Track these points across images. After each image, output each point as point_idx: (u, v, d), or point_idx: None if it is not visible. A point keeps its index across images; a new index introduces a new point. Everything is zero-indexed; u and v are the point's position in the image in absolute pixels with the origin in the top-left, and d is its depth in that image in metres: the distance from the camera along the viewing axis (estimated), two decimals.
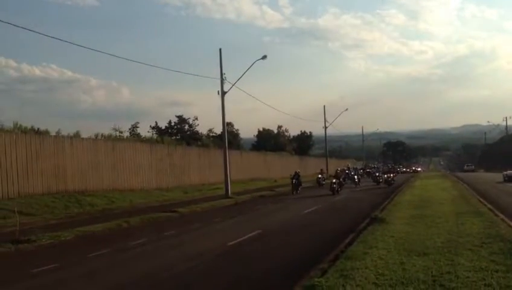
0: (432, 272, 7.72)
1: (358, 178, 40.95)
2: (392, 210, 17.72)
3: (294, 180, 32.07)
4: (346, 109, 62.90)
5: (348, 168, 46.03)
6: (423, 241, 10.57)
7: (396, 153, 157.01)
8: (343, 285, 7.13)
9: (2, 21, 16.49)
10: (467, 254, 9.02)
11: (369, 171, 57.70)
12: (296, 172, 32.83)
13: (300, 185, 33.03)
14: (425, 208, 17.60)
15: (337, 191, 30.18)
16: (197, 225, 16.86)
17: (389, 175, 38.86)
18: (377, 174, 42.95)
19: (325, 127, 59.79)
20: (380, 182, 39.95)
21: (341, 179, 33.41)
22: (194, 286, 8.52)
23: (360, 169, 58.01)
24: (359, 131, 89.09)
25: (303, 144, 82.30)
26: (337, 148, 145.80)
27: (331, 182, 30.62)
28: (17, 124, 24.80)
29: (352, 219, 17.00)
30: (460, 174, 65.39)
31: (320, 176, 41.10)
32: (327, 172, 53.67)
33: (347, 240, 11.64)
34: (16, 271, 10.13)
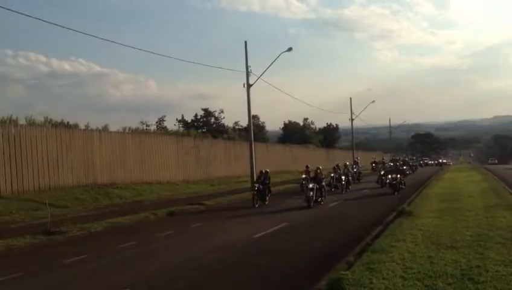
0: (460, 266, 7.62)
1: (347, 180, 27.84)
2: (420, 203, 17.50)
3: (259, 185, 20.77)
4: (373, 101, 62.05)
5: (346, 166, 31.07)
6: (452, 234, 10.42)
7: (424, 145, 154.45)
8: (369, 278, 7.09)
9: (32, 17, 16.80)
10: (496, 248, 8.86)
11: (374, 167, 50.12)
12: (262, 171, 21.69)
13: (270, 192, 21.39)
14: (454, 201, 17.32)
15: (318, 200, 20.00)
16: (223, 217, 16.97)
17: (394, 177, 25.07)
18: (382, 172, 29.71)
19: (352, 119, 59.16)
20: (385, 185, 27.32)
21: (324, 183, 21.63)
22: (220, 277, 8.60)
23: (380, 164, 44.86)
24: (386, 123, 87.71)
25: (329, 136, 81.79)
26: (364, 140, 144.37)
27: (307, 188, 20.20)
28: (47, 118, 25.43)
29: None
30: (489, 167, 64.17)
31: (304, 176, 25.20)
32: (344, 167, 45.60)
33: None
34: (48, 262, 10.40)
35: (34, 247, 12.14)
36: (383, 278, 7.06)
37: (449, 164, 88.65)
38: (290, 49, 30.69)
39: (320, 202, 20.28)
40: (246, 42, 30.28)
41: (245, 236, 12.61)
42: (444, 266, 7.67)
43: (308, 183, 20.38)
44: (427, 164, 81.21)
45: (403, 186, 25.37)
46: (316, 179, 20.77)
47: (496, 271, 7.22)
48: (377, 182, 29.67)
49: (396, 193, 23.69)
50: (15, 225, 15.68)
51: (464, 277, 7.00)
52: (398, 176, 25.01)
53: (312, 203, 19.08)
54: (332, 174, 26.93)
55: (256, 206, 19.83)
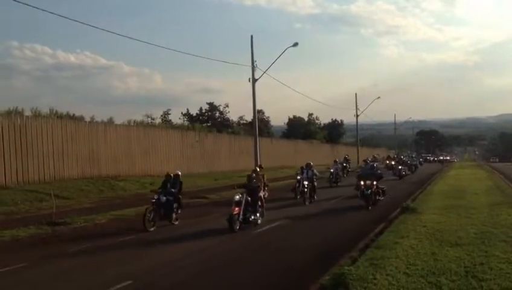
0: (464, 263, 7.61)
1: (312, 186, 19.65)
2: (424, 200, 17.46)
3: (160, 197, 13.61)
4: (379, 97, 61.80)
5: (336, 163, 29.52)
6: (456, 231, 10.40)
7: (429, 142, 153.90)
8: (373, 274, 7.09)
9: (38, 8, 16.83)
10: (501, 246, 8.84)
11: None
12: (170, 175, 14.58)
13: (180, 206, 14.30)
14: (459, 199, 17.27)
15: (251, 219, 13.36)
16: (227, 211, 16.95)
17: (368, 184, 17.15)
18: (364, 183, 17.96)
19: (357, 115, 58.99)
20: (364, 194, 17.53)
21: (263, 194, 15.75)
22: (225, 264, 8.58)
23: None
24: (391, 119, 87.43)
25: (334, 132, 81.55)
26: (369, 136, 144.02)
27: (230, 215, 12.66)
28: (53, 110, 25.55)
29: None
30: (494, 165, 64.03)
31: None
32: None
33: None
34: (52, 252, 10.46)
35: (39, 238, 12.20)
36: (387, 274, 7.06)
37: (453, 161, 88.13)
38: (296, 44, 30.57)
39: (255, 220, 13.43)
40: (251, 36, 30.21)
41: (247, 230, 12.67)
42: (447, 263, 7.66)
43: (242, 196, 13.15)
44: (426, 160, 77.47)
45: (381, 198, 17.97)
46: (249, 186, 14.13)
47: (500, 269, 7.21)
48: (356, 188, 19.28)
49: (370, 208, 16.39)
50: (20, 215, 15.78)
51: (468, 274, 6.99)
52: (374, 183, 17.15)
53: (237, 226, 12.50)
54: (298, 177, 19.90)
55: (151, 230, 12.81)
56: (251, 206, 13.32)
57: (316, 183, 19.97)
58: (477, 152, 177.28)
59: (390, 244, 9.19)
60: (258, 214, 13.71)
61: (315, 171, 20.25)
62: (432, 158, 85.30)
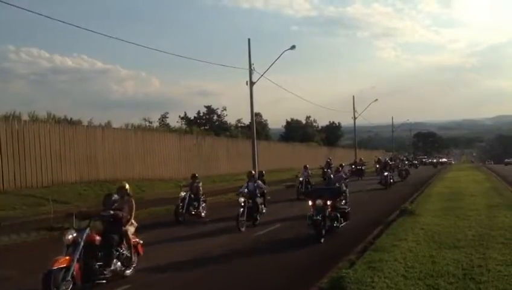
0: (462, 266, 7.63)
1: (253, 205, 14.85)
2: (422, 202, 17.48)
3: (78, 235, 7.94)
4: (376, 100, 61.82)
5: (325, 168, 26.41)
6: (454, 234, 10.42)
7: (427, 144, 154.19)
8: (371, 277, 7.10)
9: (34, 12, 16.82)
10: (498, 248, 8.86)
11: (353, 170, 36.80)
12: (111, 196, 9.25)
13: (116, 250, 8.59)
14: (457, 201, 17.29)
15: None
16: (224, 215, 16.95)
17: (318, 203, 11.92)
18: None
19: (354, 118, 58.99)
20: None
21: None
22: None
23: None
24: (389, 121, 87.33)
25: (331, 134, 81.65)
26: (367, 138, 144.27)
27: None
28: (50, 114, 25.52)
29: None
30: (492, 166, 64.17)
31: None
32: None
33: None
34: (50, 258, 10.41)
35: (37, 243, 12.21)
36: (385, 277, 7.07)
37: (450, 163, 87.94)
38: (293, 47, 30.59)
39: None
40: (249, 40, 30.20)
41: (246, 234, 12.64)
42: (445, 265, 7.68)
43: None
44: (422, 162, 74.79)
45: (340, 225, 12.66)
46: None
47: (498, 271, 7.23)
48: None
49: (322, 240, 11.48)
50: (18, 220, 15.72)
51: (466, 276, 7.01)
52: (329, 202, 12.06)
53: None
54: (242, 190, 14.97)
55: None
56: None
57: (259, 201, 14.93)
58: (474, 154, 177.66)
59: (388, 247, 9.20)
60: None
61: (260, 183, 15.77)
62: (428, 160, 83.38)
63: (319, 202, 11.87)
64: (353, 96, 59.76)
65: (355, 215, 14.49)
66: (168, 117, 51.07)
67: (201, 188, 16.51)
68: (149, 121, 43.11)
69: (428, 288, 6.57)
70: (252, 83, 29.85)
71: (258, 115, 59.08)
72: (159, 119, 49.75)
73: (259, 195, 15.13)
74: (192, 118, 55.31)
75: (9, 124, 21.07)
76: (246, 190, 14.75)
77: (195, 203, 16.00)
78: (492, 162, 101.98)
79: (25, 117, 23.17)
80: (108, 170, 26.01)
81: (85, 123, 26.99)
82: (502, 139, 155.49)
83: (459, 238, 9.83)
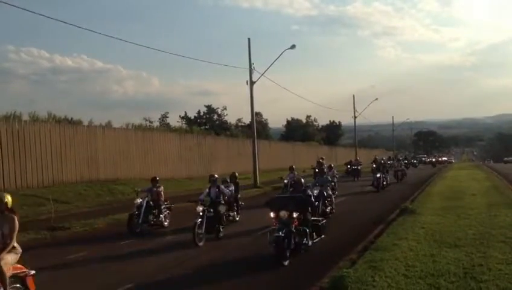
0: (463, 265, 7.62)
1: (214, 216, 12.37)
2: (422, 201, 17.47)
3: None
4: (376, 99, 61.91)
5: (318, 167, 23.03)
6: (454, 233, 10.42)
7: (427, 143, 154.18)
8: (372, 276, 7.10)
9: (35, 12, 16.83)
10: (499, 246, 8.86)
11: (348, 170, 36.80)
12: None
13: None
14: (457, 199, 17.28)
15: None
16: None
17: (282, 216, 9.48)
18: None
19: (355, 117, 59.05)
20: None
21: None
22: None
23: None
24: (389, 120, 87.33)
25: (332, 134, 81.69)
26: (367, 138, 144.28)
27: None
28: (51, 114, 25.57)
29: None
30: (492, 165, 64.20)
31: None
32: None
33: None
34: (51, 258, 10.44)
35: (38, 243, 12.18)
36: (386, 276, 7.07)
37: (451, 162, 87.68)
38: (293, 46, 30.61)
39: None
40: (249, 39, 30.23)
41: (246, 231, 12.62)
42: (446, 264, 7.68)
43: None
44: (421, 161, 72.13)
45: (310, 242, 10.11)
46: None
47: (499, 270, 7.22)
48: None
49: (286, 263, 9.05)
50: (18, 220, 15.70)
51: (467, 275, 7.01)
52: (295, 215, 9.68)
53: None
54: (202, 198, 12.64)
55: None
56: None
57: (223, 210, 12.75)
58: (475, 153, 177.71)
59: (389, 246, 9.20)
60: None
61: (223, 188, 13.32)
62: (428, 159, 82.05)
63: (283, 213, 9.47)
64: (353, 96, 59.84)
65: (335, 226, 12.83)
66: (168, 117, 51.26)
67: (162, 194, 14.27)
68: (149, 121, 43.25)
69: (429, 287, 6.57)
70: (252, 83, 29.88)
71: (258, 114, 59.12)
72: (160, 119, 49.91)
73: (223, 202, 12.86)
74: (192, 117, 55.35)
75: (10, 124, 21.09)
76: (208, 197, 12.54)
77: (155, 211, 13.68)
78: (491, 161, 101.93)
79: (25, 117, 23.25)
80: (108, 170, 26.03)
81: (85, 123, 27.05)
82: (502, 138, 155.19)
83: (459, 237, 9.83)
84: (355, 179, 33.30)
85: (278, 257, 8.98)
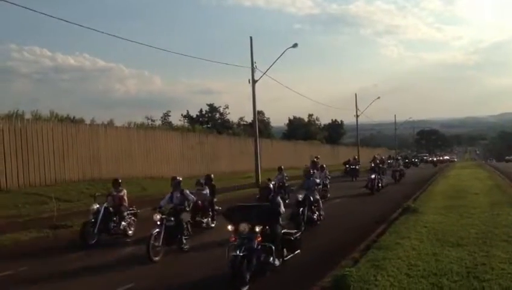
0: (465, 264, 7.61)
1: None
2: (425, 200, 17.44)
3: None
4: (379, 97, 61.80)
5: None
6: (457, 232, 10.39)
7: (430, 142, 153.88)
8: (374, 275, 7.09)
9: (37, 11, 16.84)
10: (502, 246, 8.83)
11: (347, 170, 34.64)
12: None
13: None
14: (460, 199, 17.24)
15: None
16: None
17: (242, 229, 7.77)
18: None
19: (357, 116, 59.00)
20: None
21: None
22: None
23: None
24: (392, 119, 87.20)
25: (334, 132, 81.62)
26: (369, 136, 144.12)
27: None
28: (53, 112, 25.65)
29: None
30: (495, 164, 64.09)
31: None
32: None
33: None
34: (54, 256, 10.47)
35: (40, 241, 12.21)
36: (388, 275, 7.06)
37: (453, 161, 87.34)
38: (295, 45, 30.60)
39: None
40: (251, 38, 30.24)
41: None
42: (449, 263, 7.66)
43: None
44: (423, 160, 69.89)
45: (274, 263, 8.23)
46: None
47: (502, 269, 7.20)
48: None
49: (244, 289, 7.38)
50: (21, 218, 15.76)
51: (469, 274, 6.99)
52: (257, 229, 7.89)
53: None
54: (162, 205, 10.95)
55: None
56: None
57: (186, 218, 11.01)
58: (478, 152, 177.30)
59: (392, 245, 9.18)
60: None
61: (187, 193, 11.50)
62: (429, 158, 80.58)
63: (243, 227, 7.77)
64: (355, 94, 59.80)
65: (316, 237, 11.44)
66: (170, 115, 51.23)
67: (126, 198, 12.76)
68: (151, 120, 43.36)
69: (431, 286, 6.56)
70: (254, 81, 29.89)
71: (260, 113, 59.13)
72: (162, 117, 49.92)
73: (188, 209, 11.31)
74: (194, 116, 55.39)
75: (12, 122, 21.15)
76: (171, 203, 11.04)
77: (116, 219, 12.00)
78: (494, 160, 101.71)
79: (27, 116, 23.32)
80: (111, 169, 26.06)
81: (88, 122, 27.12)
82: (505, 137, 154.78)
83: (462, 236, 9.80)
84: (353, 179, 31.84)
85: (234, 281, 7.27)
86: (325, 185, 19.60)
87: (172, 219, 10.33)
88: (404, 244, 9.21)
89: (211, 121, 55.27)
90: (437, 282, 6.68)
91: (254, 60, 29.68)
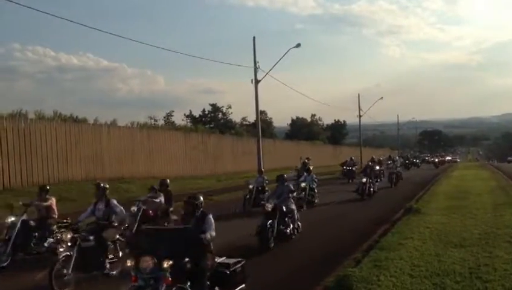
0: (468, 264, 7.61)
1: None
2: (427, 201, 17.43)
3: None
4: (381, 98, 61.52)
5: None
6: (460, 232, 10.39)
7: (432, 143, 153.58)
8: (377, 275, 7.10)
9: (40, 11, 16.88)
10: (505, 246, 8.83)
11: (344, 171, 33.50)
12: None
13: None
14: (462, 199, 17.22)
15: None
16: (230, 212, 16.97)
17: (145, 266, 5.41)
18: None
19: (360, 116, 58.84)
20: None
21: None
22: None
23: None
24: (394, 119, 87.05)
25: (337, 132, 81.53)
26: (372, 137, 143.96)
27: None
28: (57, 112, 25.73)
29: None
30: (498, 165, 63.95)
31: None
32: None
33: None
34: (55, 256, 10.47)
35: None
36: (391, 276, 7.07)
37: (456, 161, 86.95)
38: (298, 45, 30.55)
39: None
40: (254, 38, 30.19)
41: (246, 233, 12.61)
42: (452, 264, 7.66)
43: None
44: (424, 161, 68.27)
45: None
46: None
47: (505, 270, 7.21)
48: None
49: None
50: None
51: (472, 275, 7.00)
52: (165, 264, 5.41)
53: None
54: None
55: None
56: None
57: (112, 236, 8.82)
58: (480, 152, 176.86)
59: (394, 246, 9.19)
60: None
61: (114, 205, 9.27)
62: (431, 159, 78.86)
63: (145, 262, 5.48)
64: (358, 94, 59.66)
65: (285, 258, 9.66)
66: (173, 115, 51.25)
67: (55, 208, 10.36)
68: (154, 120, 43.42)
69: (434, 287, 6.57)
70: (257, 81, 29.85)
71: (263, 113, 59.10)
72: (165, 117, 49.94)
73: (115, 224, 9.13)
74: (197, 116, 55.46)
75: (16, 122, 21.20)
76: (93, 216, 9.07)
77: (37, 235, 9.62)
78: (496, 160, 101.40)
79: (31, 115, 23.39)
80: (114, 168, 26.12)
81: (91, 121, 27.18)
82: (508, 137, 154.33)
83: (465, 237, 9.80)
84: (349, 181, 30.00)
85: None
86: (311, 190, 18.29)
87: (91, 237, 8.10)
88: (406, 245, 9.22)
89: (213, 121, 55.33)
90: (440, 282, 6.69)
91: (257, 60, 29.64)
